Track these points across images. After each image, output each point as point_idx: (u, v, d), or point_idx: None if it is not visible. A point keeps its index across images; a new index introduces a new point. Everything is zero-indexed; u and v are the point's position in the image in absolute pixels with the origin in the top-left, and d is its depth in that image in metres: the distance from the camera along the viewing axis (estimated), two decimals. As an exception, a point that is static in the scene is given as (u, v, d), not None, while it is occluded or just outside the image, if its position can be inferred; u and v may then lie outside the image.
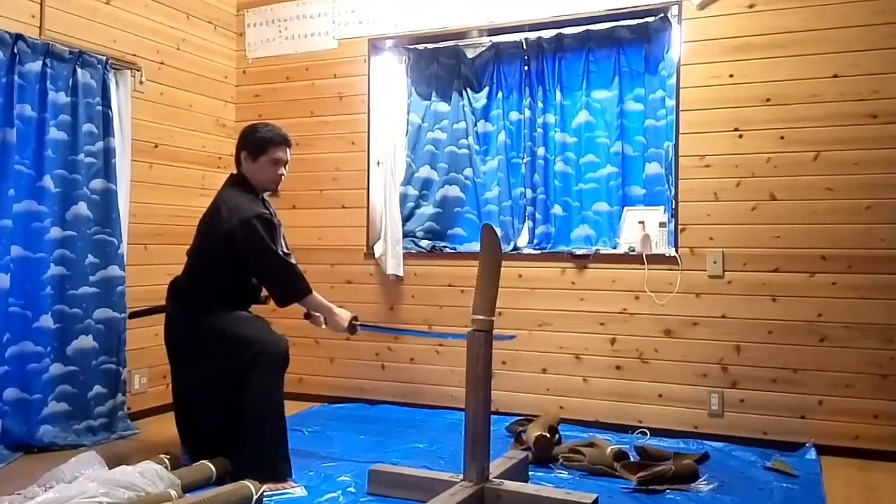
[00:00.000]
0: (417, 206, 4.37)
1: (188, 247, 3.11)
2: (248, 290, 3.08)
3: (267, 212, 3.00)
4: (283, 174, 3.10)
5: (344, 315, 3.08)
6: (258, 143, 3.02)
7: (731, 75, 3.53)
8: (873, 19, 3.31)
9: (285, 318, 3.85)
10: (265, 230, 2.89)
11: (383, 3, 4.27)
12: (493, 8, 4.02)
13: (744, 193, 3.52)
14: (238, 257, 2.91)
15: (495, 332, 2.53)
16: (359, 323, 3.13)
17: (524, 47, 4.18)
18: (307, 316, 3.21)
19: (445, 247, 4.26)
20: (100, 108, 3.62)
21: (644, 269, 3.68)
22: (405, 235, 4.28)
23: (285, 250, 3.04)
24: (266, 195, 3.16)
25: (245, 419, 2.80)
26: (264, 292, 3.14)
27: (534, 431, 3.15)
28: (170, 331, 3.10)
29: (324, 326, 3.17)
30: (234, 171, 3.13)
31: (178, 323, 3.05)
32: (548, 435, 3.13)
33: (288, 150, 3.10)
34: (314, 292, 3.02)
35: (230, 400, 2.83)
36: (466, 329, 2.52)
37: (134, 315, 3.60)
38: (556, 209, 4.10)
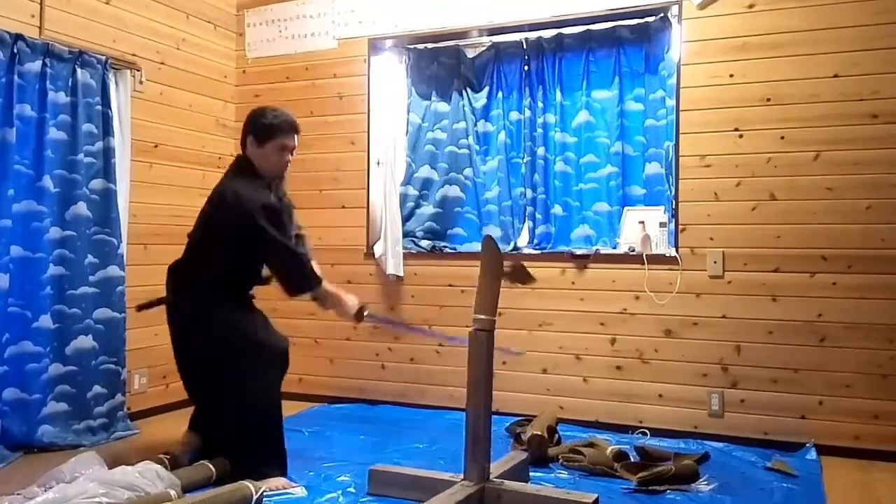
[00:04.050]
0: (417, 206, 4.37)
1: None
2: (249, 274, 3.01)
3: (271, 200, 2.90)
4: (289, 160, 3.03)
5: (352, 303, 2.99)
6: (265, 129, 2.96)
7: (731, 75, 3.53)
8: (873, 19, 3.31)
9: (287, 319, 3.86)
10: (270, 221, 2.80)
11: (383, 2, 4.27)
12: (493, 8, 4.02)
13: (744, 193, 3.52)
14: (242, 245, 2.84)
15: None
16: (367, 313, 3.04)
17: (524, 47, 4.18)
18: (314, 298, 3.14)
19: (445, 247, 4.26)
20: (99, 107, 3.61)
21: (644, 269, 3.68)
22: (405, 235, 4.28)
23: (297, 232, 3.00)
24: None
25: (241, 418, 2.79)
26: (266, 272, 3.06)
27: (531, 432, 3.15)
28: (171, 320, 3.02)
29: (331, 311, 3.10)
30: (240, 154, 3.05)
31: (178, 311, 2.98)
32: (541, 434, 3.13)
33: (296, 136, 3.03)
34: (324, 281, 2.95)
35: (228, 398, 2.82)
36: (468, 328, 2.52)
37: (142, 308, 3.55)
38: (557, 209, 4.10)
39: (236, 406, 2.81)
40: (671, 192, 3.74)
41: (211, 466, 2.78)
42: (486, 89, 4.28)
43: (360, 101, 4.35)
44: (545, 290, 3.90)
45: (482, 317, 2.49)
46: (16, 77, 3.24)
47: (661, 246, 3.72)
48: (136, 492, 2.42)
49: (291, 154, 3.03)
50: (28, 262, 3.30)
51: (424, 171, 4.35)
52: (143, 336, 3.82)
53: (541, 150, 4.11)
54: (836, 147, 3.37)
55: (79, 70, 3.50)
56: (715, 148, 3.56)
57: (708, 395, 3.56)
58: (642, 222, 3.78)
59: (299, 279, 2.90)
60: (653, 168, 3.90)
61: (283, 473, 2.84)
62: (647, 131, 3.92)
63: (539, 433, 3.13)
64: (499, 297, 2.54)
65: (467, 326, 2.53)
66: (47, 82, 3.36)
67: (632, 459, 3.07)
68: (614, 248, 3.89)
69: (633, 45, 3.95)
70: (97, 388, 3.55)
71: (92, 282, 3.55)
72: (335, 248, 4.37)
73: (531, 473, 2.93)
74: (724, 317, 3.54)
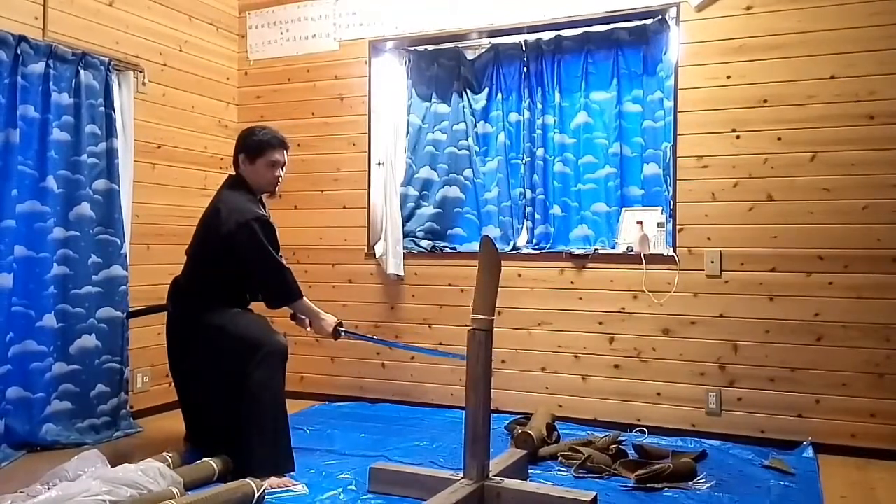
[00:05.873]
0: (418, 207, 4.39)
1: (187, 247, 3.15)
2: (247, 287, 3.12)
3: (265, 214, 3.04)
4: (280, 176, 3.14)
5: (329, 320, 3.15)
6: (255, 145, 3.07)
7: (728, 76, 3.55)
8: (870, 21, 3.33)
9: (288, 318, 3.87)
10: (264, 233, 2.93)
11: (384, 5, 4.29)
12: (492, 10, 4.04)
13: (741, 194, 3.54)
14: (236, 258, 2.94)
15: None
16: (343, 329, 3.21)
17: (523, 49, 4.20)
18: (293, 317, 3.25)
19: (445, 247, 4.29)
20: (102, 109, 3.64)
21: (642, 269, 3.70)
22: (406, 235, 4.31)
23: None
24: (263, 196, 3.20)
25: (247, 416, 2.82)
26: None
27: (521, 431, 3.18)
28: (171, 330, 3.14)
29: (309, 329, 3.23)
30: (232, 173, 3.17)
31: (179, 322, 3.09)
32: (530, 432, 3.15)
33: (285, 152, 3.15)
34: (304, 297, 3.08)
35: (232, 398, 2.85)
36: (466, 328, 2.55)
37: (131, 315, 3.63)
38: (555, 209, 4.12)
39: (241, 402, 2.83)
40: (669, 192, 3.76)
41: (213, 464, 2.80)
42: (486, 91, 4.30)
43: (361, 102, 4.37)
44: (544, 290, 3.92)
45: (481, 316, 2.51)
46: (19, 78, 3.26)
47: (659, 246, 3.73)
48: (138, 490, 2.44)
49: (282, 170, 3.14)
50: (32, 261, 3.33)
51: (425, 172, 4.37)
52: (146, 335, 3.85)
53: (540, 151, 4.13)
54: (833, 148, 3.39)
55: (82, 71, 3.53)
56: (712, 149, 3.59)
57: (705, 393, 3.58)
58: (640, 222, 3.80)
59: (284, 291, 3.03)
60: (651, 169, 3.92)
61: (292, 468, 2.86)
62: (646, 132, 3.94)
63: (526, 431, 3.15)
64: (497, 297, 2.56)
65: (466, 326, 2.55)
66: (51, 84, 3.39)
67: (630, 457, 3.09)
68: (613, 248, 3.91)
69: (631, 46, 3.97)
70: (100, 387, 3.58)
71: (95, 281, 3.57)
72: (336, 248, 4.40)
73: (531, 471, 2.96)
74: (721, 316, 3.56)
